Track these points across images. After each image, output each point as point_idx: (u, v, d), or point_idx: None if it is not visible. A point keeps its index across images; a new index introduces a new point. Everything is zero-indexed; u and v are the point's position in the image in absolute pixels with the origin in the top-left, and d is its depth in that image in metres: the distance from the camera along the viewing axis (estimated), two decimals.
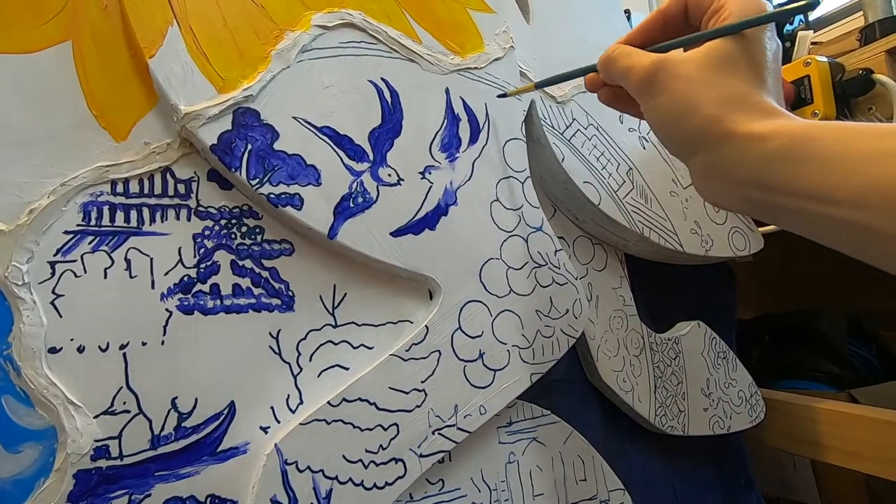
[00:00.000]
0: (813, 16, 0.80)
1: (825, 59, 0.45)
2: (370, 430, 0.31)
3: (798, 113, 0.46)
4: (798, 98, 0.46)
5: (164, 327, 0.27)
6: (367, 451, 0.30)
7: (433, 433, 0.32)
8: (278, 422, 0.29)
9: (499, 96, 0.38)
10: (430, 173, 0.35)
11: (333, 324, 0.32)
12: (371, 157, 0.33)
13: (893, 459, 0.41)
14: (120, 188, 0.28)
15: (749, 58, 0.26)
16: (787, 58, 0.67)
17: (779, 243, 0.52)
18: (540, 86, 0.37)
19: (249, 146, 0.30)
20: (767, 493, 0.66)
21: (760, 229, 0.52)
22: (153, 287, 0.28)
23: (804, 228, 0.25)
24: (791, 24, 0.74)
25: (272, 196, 0.30)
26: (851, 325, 0.65)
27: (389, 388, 0.32)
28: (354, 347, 0.32)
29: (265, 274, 0.30)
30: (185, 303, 0.28)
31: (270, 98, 0.31)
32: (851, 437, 0.45)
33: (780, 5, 0.28)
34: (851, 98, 0.45)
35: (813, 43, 0.69)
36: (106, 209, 0.27)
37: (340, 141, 0.32)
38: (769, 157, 0.24)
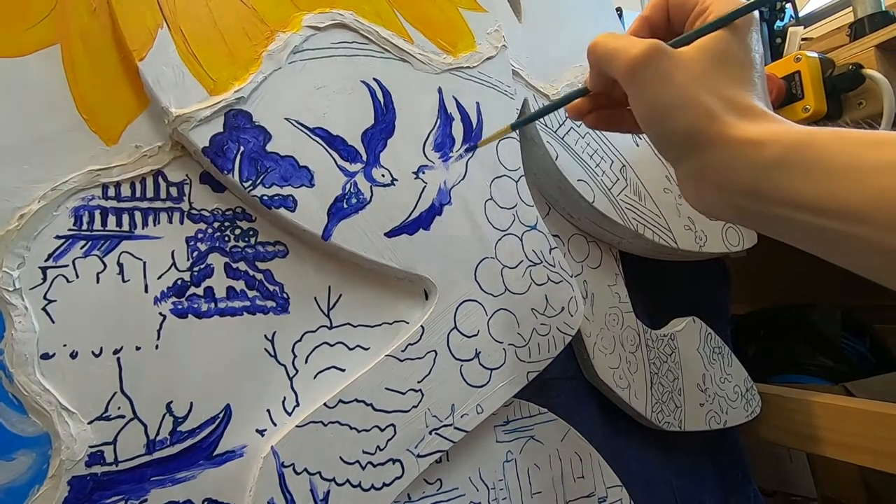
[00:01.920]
0: (803, 12, 0.80)
1: (815, 55, 0.46)
2: (367, 431, 0.30)
3: (789, 108, 0.47)
4: (789, 93, 0.46)
5: (158, 331, 0.27)
6: (364, 452, 0.30)
7: (430, 433, 0.32)
8: (274, 424, 0.29)
9: (468, 148, 0.37)
10: (423, 173, 0.35)
11: (329, 325, 0.32)
12: (364, 158, 0.33)
13: (889, 451, 0.42)
14: (111, 192, 0.28)
15: (740, 58, 0.25)
16: (777, 54, 0.67)
17: (772, 239, 0.52)
18: (516, 126, 0.35)
19: (242, 148, 0.29)
20: (764, 487, 0.66)
21: None
22: (146, 291, 0.27)
23: (799, 240, 0.24)
24: (781, 20, 0.75)
25: (265, 198, 0.30)
26: (844, 319, 0.66)
27: (386, 388, 0.32)
28: (350, 349, 0.32)
29: (259, 276, 0.30)
30: (179, 306, 0.28)
31: (262, 100, 0.30)
32: (847, 430, 0.46)
33: None
34: (842, 93, 0.45)
35: (803, 39, 0.69)
36: (97, 213, 0.27)
37: (333, 142, 0.32)
38: (766, 164, 0.23)
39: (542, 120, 0.42)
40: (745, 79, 0.25)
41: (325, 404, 0.30)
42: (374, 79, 0.34)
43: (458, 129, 0.37)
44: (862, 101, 0.45)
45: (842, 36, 0.57)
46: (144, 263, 0.28)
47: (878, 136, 0.21)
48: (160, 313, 0.27)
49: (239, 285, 0.30)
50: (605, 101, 0.31)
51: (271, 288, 0.30)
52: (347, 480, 0.29)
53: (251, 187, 0.29)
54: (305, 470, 0.29)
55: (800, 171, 0.22)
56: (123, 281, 0.27)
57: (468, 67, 0.38)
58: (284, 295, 0.31)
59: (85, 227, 0.27)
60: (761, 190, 0.23)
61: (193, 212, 0.29)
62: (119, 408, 0.26)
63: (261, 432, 0.29)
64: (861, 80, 0.44)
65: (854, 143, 0.21)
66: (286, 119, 0.31)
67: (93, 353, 0.26)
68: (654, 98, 0.26)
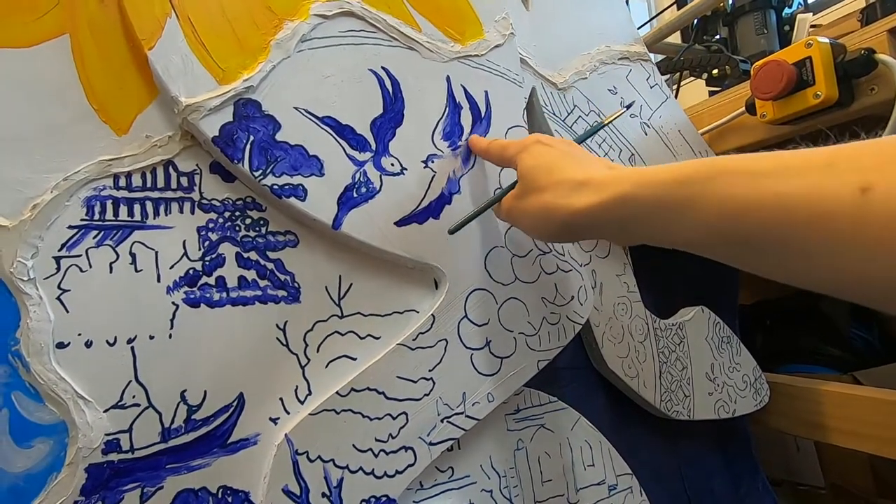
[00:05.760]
0: None
1: (827, 40, 0.45)
2: (379, 419, 0.31)
3: (800, 94, 0.46)
4: (800, 79, 0.45)
5: (171, 321, 0.27)
6: (376, 439, 0.30)
7: (442, 421, 0.32)
8: (287, 413, 0.29)
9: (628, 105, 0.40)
10: (432, 162, 0.35)
11: (340, 314, 0.32)
12: (373, 147, 0.33)
13: None
14: (123, 182, 0.28)
15: (539, 167, 0.30)
16: (785, 41, 0.66)
17: None
18: (629, 107, 0.39)
19: (251, 137, 0.29)
20: (772, 475, 0.66)
21: None
22: (159, 280, 0.28)
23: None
24: (790, 7, 0.74)
25: (275, 187, 0.30)
26: (853, 308, 0.65)
27: (397, 377, 0.32)
28: (361, 338, 0.32)
29: (270, 266, 0.30)
30: (192, 296, 0.28)
31: (271, 89, 0.30)
32: (854, 418, 0.45)
33: None
34: (853, 79, 0.45)
35: (812, 26, 0.68)
36: (109, 203, 0.27)
37: (342, 131, 0.32)
38: (626, 218, 0.27)
39: (549, 109, 0.41)
40: (556, 169, 0.29)
41: (337, 393, 0.30)
42: (383, 67, 0.34)
43: (466, 118, 0.37)
44: (874, 87, 0.44)
45: (852, 22, 0.56)
46: (156, 253, 0.28)
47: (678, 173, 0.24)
48: (173, 302, 0.28)
49: (250, 275, 0.30)
50: None
51: (282, 277, 0.30)
52: (360, 468, 0.30)
53: (261, 177, 0.29)
54: (319, 457, 0.29)
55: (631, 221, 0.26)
56: (136, 271, 0.27)
57: (476, 56, 0.38)
58: (295, 284, 0.31)
59: (97, 217, 0.27)
60: (633, 236, 0.27)
61: (204, 201, 0.29)
62: (134, 396, 0.26)
63: (274, 420, 0.29)
64: (873, 66, 0.44)
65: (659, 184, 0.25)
66: (295, 108, 0.31)
67: (107, 342, 0.26)
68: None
